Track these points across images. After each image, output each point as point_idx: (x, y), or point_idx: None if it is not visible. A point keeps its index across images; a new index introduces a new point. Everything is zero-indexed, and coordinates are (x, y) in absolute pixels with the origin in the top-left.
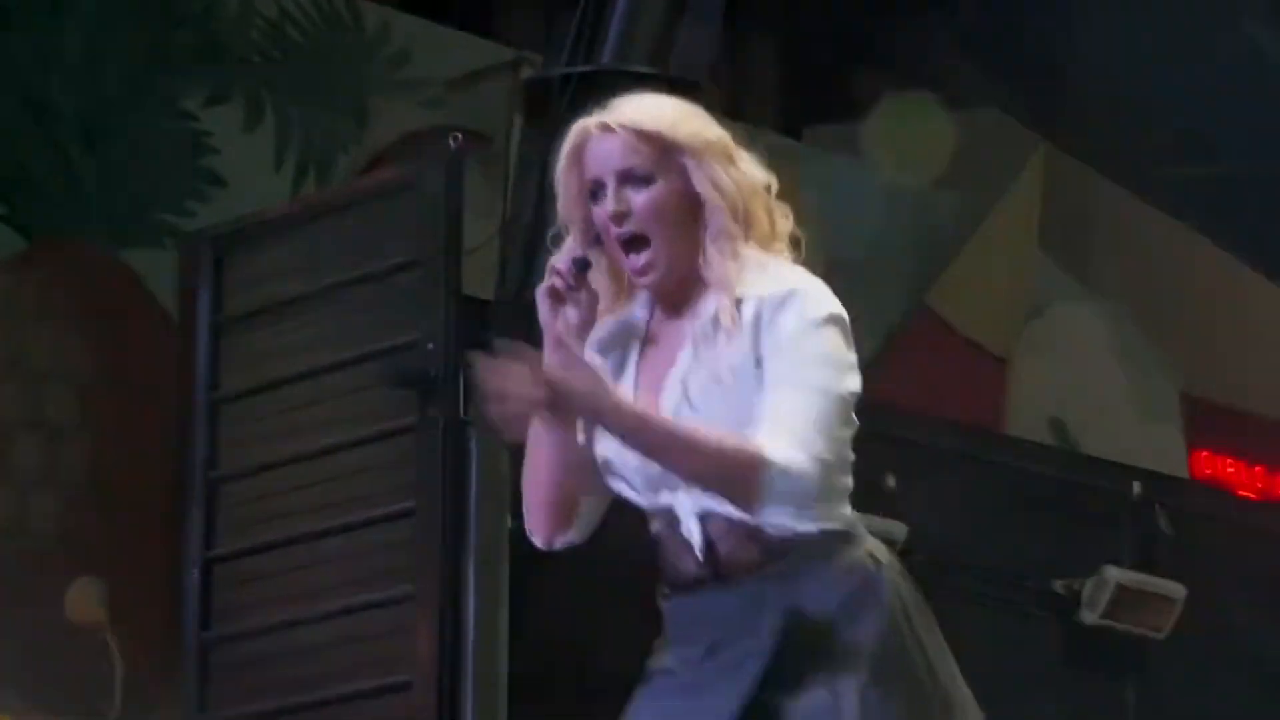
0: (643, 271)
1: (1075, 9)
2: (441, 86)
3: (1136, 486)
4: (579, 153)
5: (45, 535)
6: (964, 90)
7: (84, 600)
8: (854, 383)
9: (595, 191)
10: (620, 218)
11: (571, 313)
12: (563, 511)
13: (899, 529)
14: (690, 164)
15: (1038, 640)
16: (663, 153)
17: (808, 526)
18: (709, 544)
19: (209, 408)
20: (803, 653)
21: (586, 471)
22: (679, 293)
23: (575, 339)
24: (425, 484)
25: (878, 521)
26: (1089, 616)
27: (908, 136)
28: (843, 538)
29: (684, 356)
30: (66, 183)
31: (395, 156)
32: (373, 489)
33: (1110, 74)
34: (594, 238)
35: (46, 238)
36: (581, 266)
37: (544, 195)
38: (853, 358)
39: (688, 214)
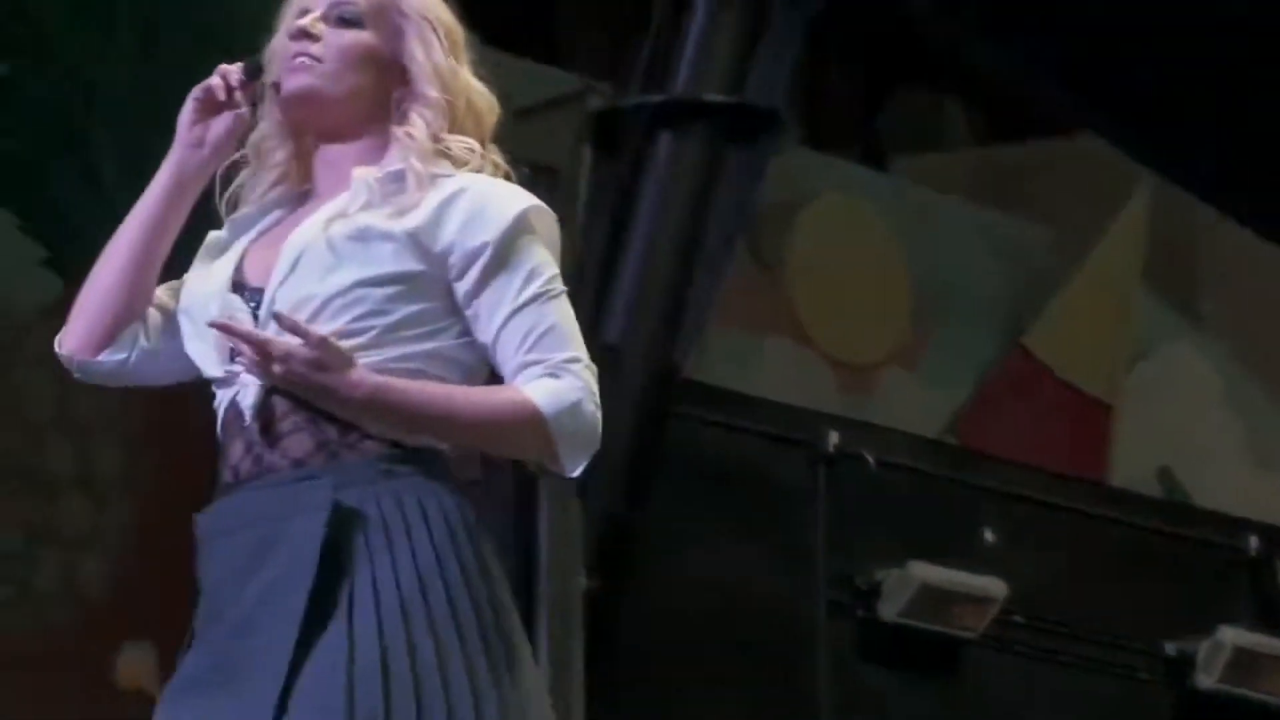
0: (294, 69)
1: (1182, 35)
2: (507, 117)
3: (1254, 541)
4: None
5: (94, 599)
6: (1063, 120)
7: (135, 666)
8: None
9: (296, 30)
10: (305, 35)
11: (220, 123)
12: (107, 326)
13: (997, 587)
14: (410, 29)
15: (1149, 707)
16: (386, 10)
17: (377, 429)
18: (265, 424)
19: None
20: (337, 572)
21: (145, 292)
22: (332, 149)
23: (213, 150)
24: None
25: (973, 579)
26: (1204, 681)
27: (1001, 168)
28: (429, 461)
29: (323, 212)
30: (110, 222)
31: None
32: None
33: (1221, 102)
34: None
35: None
36: (252, 71)
37: (616, 229)
38: (552, 254)
39: (380, 79)
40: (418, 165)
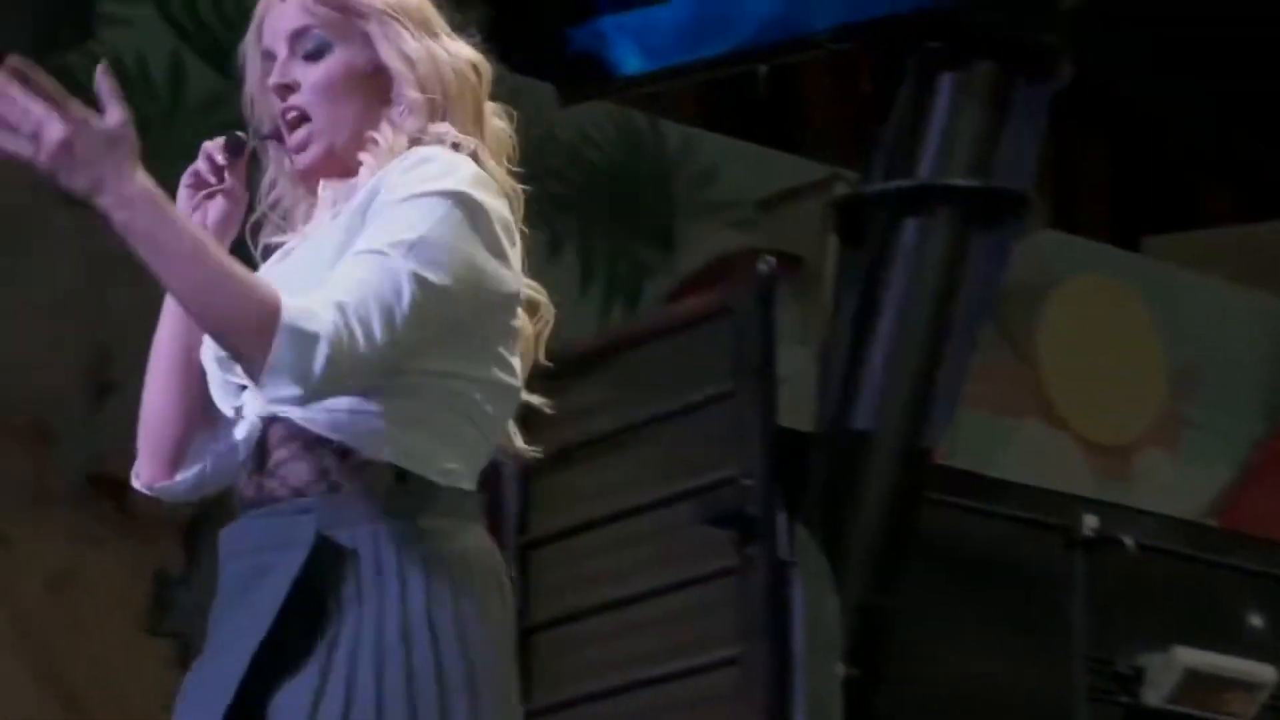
0: (299, 147)
1: None
2: (751, 207)
3: None
4: (260, 25)
5: None
6: None
7: None
8: (450, 272)
9: (275, 87)
10: (285, 90)
11: (215, 206)
12: (170, 448)
13: (1266, 672)
14: (375, 30)
15: None
16: (343, 16)
17: (382, 454)
18: (262, 454)
19: (518, 552)
20: (321, 610)
21: (200, 397)
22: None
23: (218, 236)
24: (747, 630)
25: (1241, 664)
26: None
27: (1258, 245)
28: (431, 494)
29: (299, 246)
30: None
31: (704, 282)
32: (690, 636)
33: None
34: (272, 131)
35: None
36: (234, 149)
37: (862, 315)
38: (473, 248)
39: (372, 92)
40: (372, 164)
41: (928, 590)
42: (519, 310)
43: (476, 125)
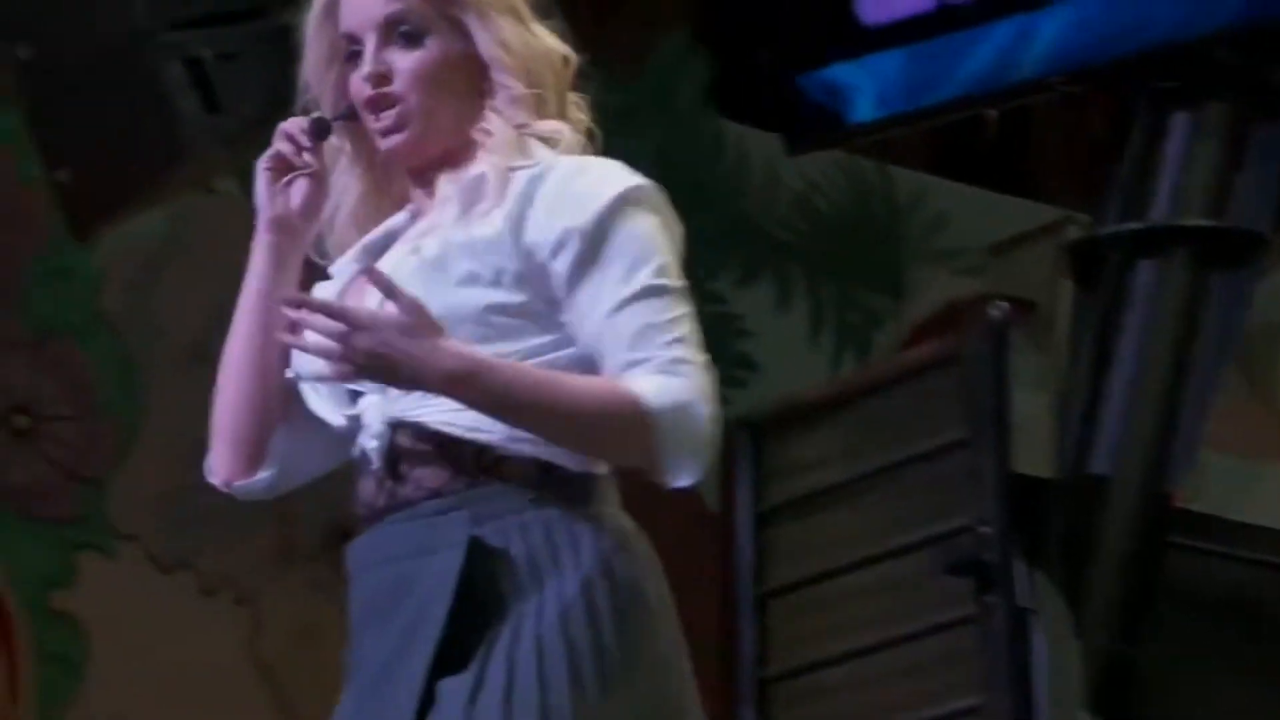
0: (391, 129)
1: None
2: (982, 252)
3: None
4: (333, 5)
5: None
6: None
7: None
8: (673, 265)
9: (353, 53)
10: (378, 79)
11: (299, 189)
12: (251, 445)
13: None
14: (473, 19)
15: None
16: (435, 4)
17: (522, 448)
18: (393, 460)
19: (754, 603)
20: (479, 609)
21: (280, 392)
22: (435, 174)
23: (303, 219)
24: (989, 680)
25: None
26: None
27: None
28: (573, 485)
29: (410, 235)
30: None
31: (936, 329)
32: (930, 686)
33: None
34: (348, 111)
35: None
36: (320, 131)
37: (1099, 360)
38: (664, 238)
39: (465, 81)
40: (498, 163)
41: (1171, 637)
42: None
43: (561, 115)
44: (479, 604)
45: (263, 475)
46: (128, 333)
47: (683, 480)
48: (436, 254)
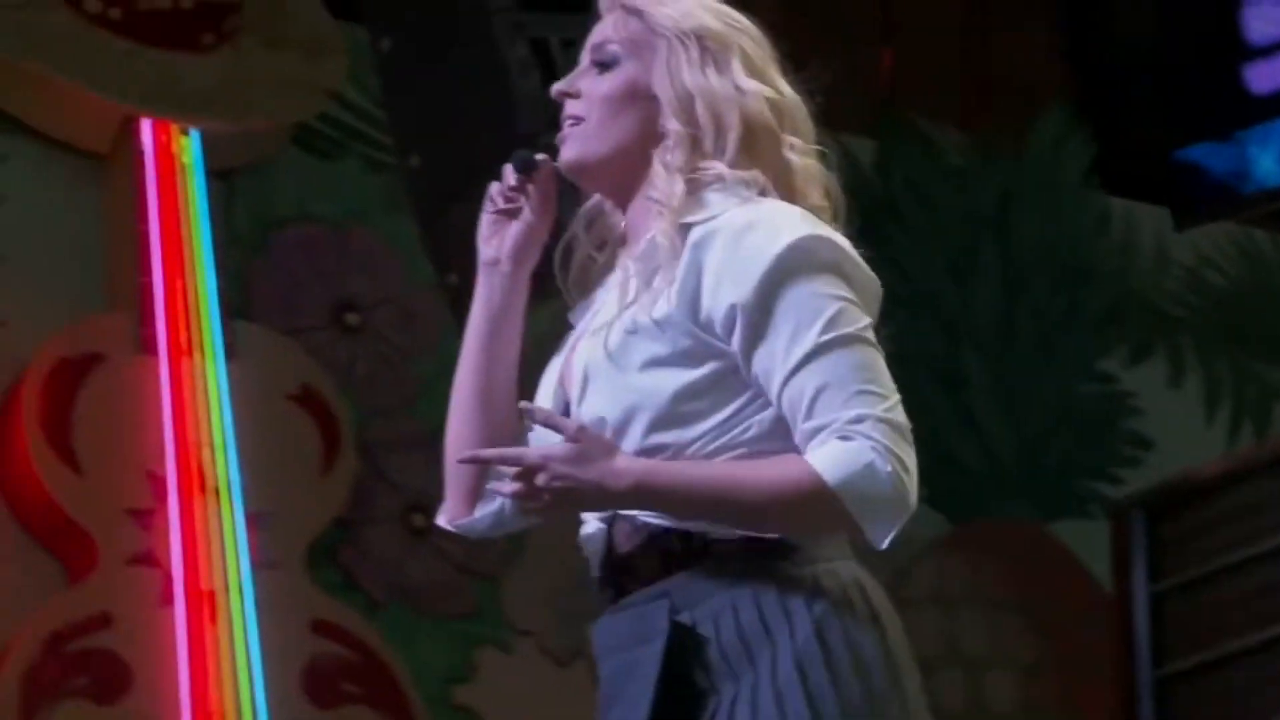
0: (562, 145)
1: None
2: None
3: None
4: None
5: None
6: None
7: None
8: (849, 311)
9: (557, 93)
10: (566, 97)
11: (510, 233)
12: (471, 482)
13: None
14: (661, 50)
15: None
16: (642, 35)
17: (724, 532)
18: (612, 551)
19: (1153, 686)
20: (694, 693)
21: (500, 431)
22: (635, 217)
23: (513, 262)
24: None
25: None
26: None
27: None
28: (781, 552)
29: (606, 306)
30: (985, 457)
31: None
32: None
33: None
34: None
35: (971, 518)
36: (526, 166)
37: None
38: (838, 287)
39: (645, 113)
40: (666, 232)
41: None
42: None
43: (763, 163)
44: (692, 689)
45: (481, 514)
46: None
47: (884, 539)
48: (618, 345)
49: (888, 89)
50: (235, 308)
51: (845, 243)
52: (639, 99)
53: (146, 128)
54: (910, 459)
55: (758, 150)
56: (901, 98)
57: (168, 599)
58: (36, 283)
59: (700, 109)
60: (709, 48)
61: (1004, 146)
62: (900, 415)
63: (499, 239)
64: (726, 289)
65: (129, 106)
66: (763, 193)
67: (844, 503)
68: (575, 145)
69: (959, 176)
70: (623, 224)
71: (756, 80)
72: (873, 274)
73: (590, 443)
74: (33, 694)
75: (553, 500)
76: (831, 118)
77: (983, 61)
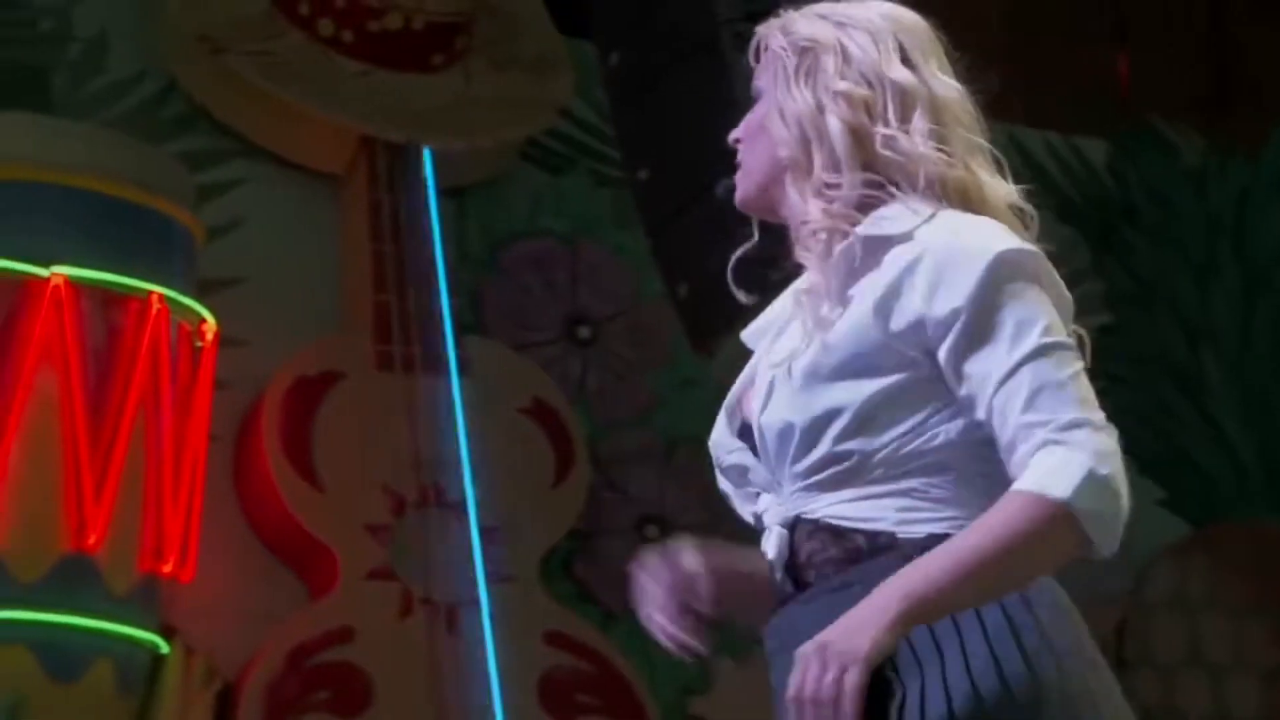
0: (736, 179)
1: None
2: None
3: None
4: None
5: None
6: None
7: None
8: (1059, 323)
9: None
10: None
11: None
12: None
13: None
14: (779, 74)
15: None
16: (770, 58)
17: (914, 529)
18: (793, 551)
19: None
20: (883, 683)
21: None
22: (797, 249)
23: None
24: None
25: None
26: None
27: None
28: (929, 544)
29: (789, 323)
30: (1225, 459)
31: None
32: None
33: None
34: None
35: (1211, 521)
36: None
37: None
38: (1045, 299)
39: (773, 144)
40: (831, 249)
41: None
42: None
43: (882, 160)
44: (881, 677)
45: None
46: None
47: (1112, 547)
48: (808, 357)
49: (1123, 90)
50: (468, 323)
51: (1043, 256)
52: (767, 129)
53: (379, 148)
54: (1119, 465)
55: (869, 149)
56: (1137, 98)
57: (406, 612)
58: (275, 303)
59: (805, 123)
60: (828, 54)
61: (1243, 146)
62: (1105, 424)
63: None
64: (942, 299)
65: (362, 127)
66: (919, 189)
67: (1078, 517)
68: (739, 186)
69: (1197, 177)
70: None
71: (860, 73)
72: (1066, 290)
73: (832, 649)
74: (276, 708)
75: (843, 690)
76: (1065, 119)
77: (1221, 60)
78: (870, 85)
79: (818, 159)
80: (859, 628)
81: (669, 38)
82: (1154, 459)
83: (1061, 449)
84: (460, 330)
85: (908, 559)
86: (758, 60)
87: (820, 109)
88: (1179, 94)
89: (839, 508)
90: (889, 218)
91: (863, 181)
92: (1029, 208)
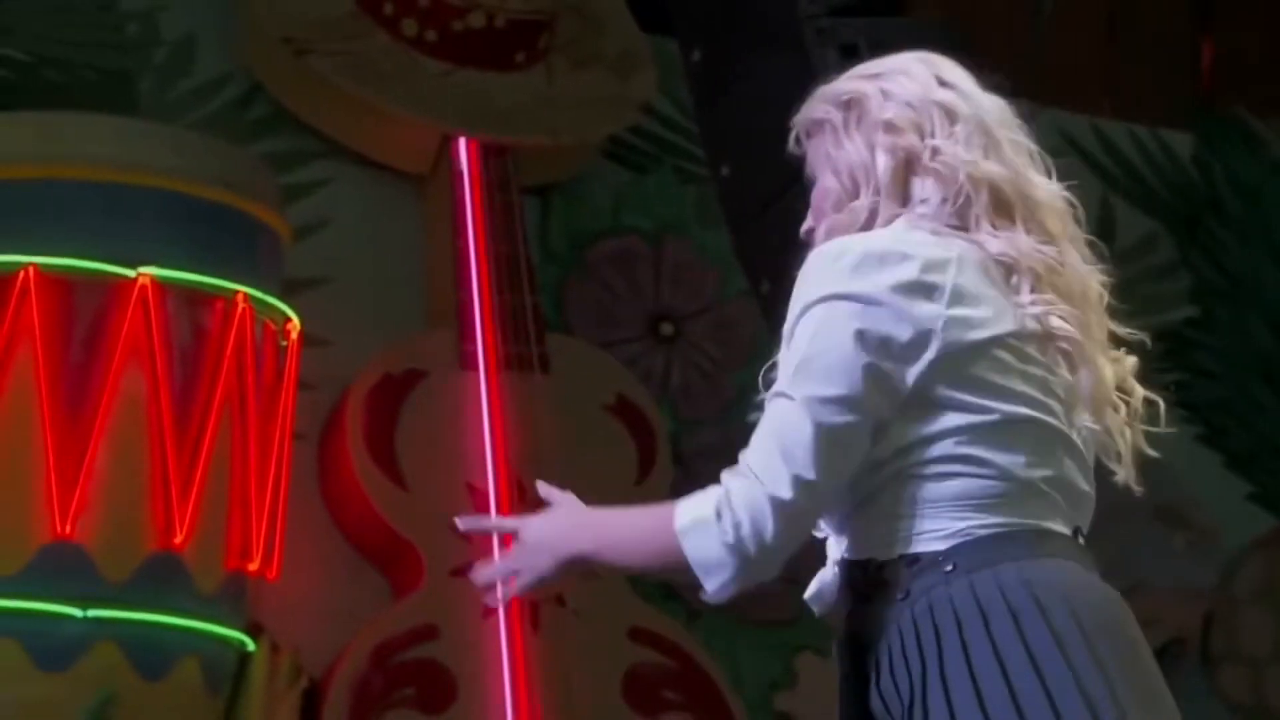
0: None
1: None
2: None
3: None
4: None
5: None
6: None
7: None
8: (843, 382)
9: None
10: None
11: None
12: None
13: None
14: (829, 136)
15: None
16: (807, 125)
17: (890, 550)
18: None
19: None
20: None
21: None
22: None
23: None
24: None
25: None
26: None
27: None
28: (935, 568)
29: None
30: None
31: None
32: None
33: None
34: None
35: None
36: None
37: None
38: (856, 344)
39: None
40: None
41: None
42: (1001, 338)
43: (902, 193)
44: (884, 706)
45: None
46: None
47: (711, 595)
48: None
49: (1208, 82)
50: (552, 321)
51: (899, 279)
52: (823, 199)
53: (463, 147)
54: (757, 530)
55: (918, 166)
56: (1222, 91)
57: (492, 610)
58: (359, 302)
59: (855, 174)
60: (851, 111)
61: None
62: (783, 487)
63: None
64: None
65: (446, 126)
66: (957, 196)
67: (684, 550)
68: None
69: None
70: None
71: (904, 102)
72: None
73: (526, 544)
74: (361, 705)
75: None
76: (1149, 112)
77: None
78: (914, 108)
79: (864, 195)
80: (542, 549)
81: (751, 34)
82: (1242, 453)
83: (715, 489)
84: (544, 328)
85: (888, 593)
86: (800, 146)
87: (871, 147)
88: (1266, 85)
89: (844, 548)
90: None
91: (879, 204)
92: (1077, 203)
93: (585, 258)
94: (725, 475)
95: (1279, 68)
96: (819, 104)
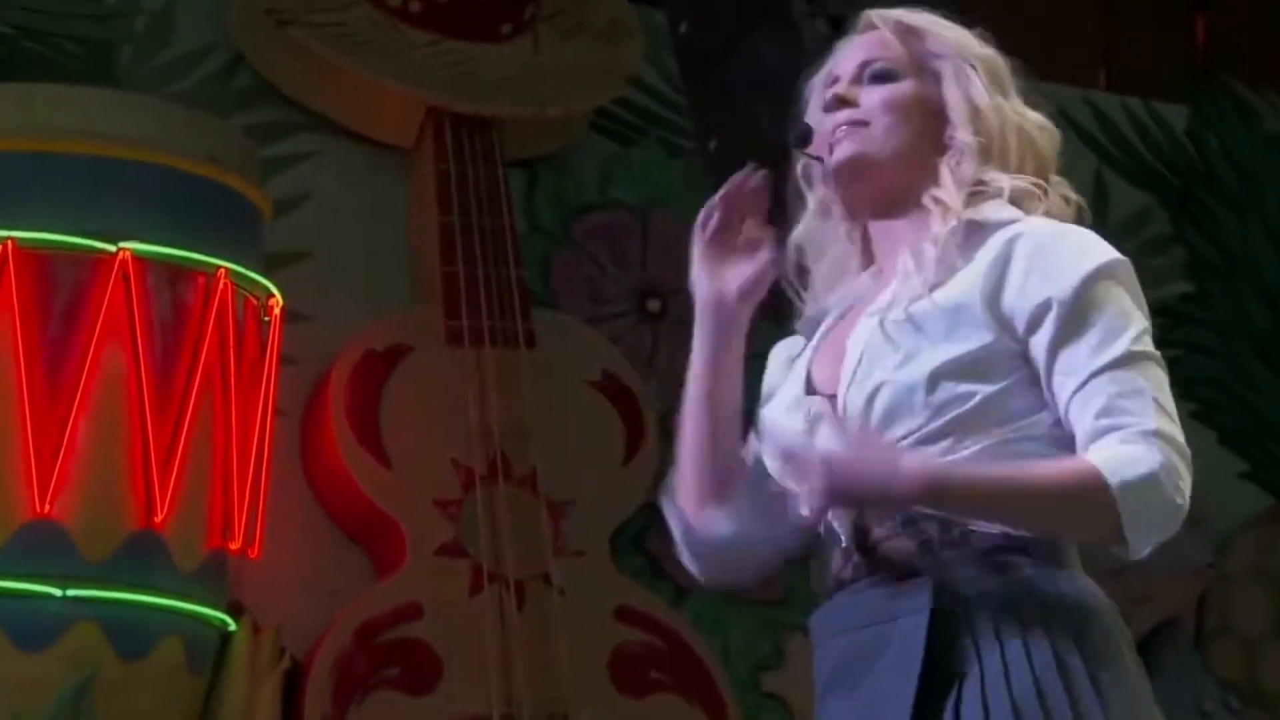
0: (842, 135)
1: None
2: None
3: None
4: (834, 58)
5: None
6: None
7: None
8: (1148, 335)
9: (830, 99)
10: (840, 103)
11: (738, 272)
12: (709, 487)
13: None
14: (947, 70)
15: None
16: (920, 55)
17: (983, 525)
18: (862, 536)
19: None
20: (942, 679)
21: (729, 457)
22: (889, 226)
23: (737, 305)
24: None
25: None
26: None
27: None
28: (1033, 550)
29: (879, 302)
30: None
31: None
32: None
33: None
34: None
35: None
36: (804, 139)
37: None
38: (1136, 309)
39: (929, 125)
40: (954, 224)
41: None
42: None
43: (1036, 189)
44: (942, 673)
45: (723, 528)
46: None
47: (1141, 552)
48: (905, 322)
49: (1202, 55)
50: (538, 296)
51: (1132, 267)
52: (918, 112)
53: (448, 120)
54: (1188, 487)
55: (1030, 171)
56: (1216, 63)
57: (476, 588)
58: (343, 277)
59: (992, 126)
60: (992, 73)
61: None
62: (1185, 446)
63: (719, 274)
64: (1039, 285)
65: (432, 98)
66: (1047, 212)
67: (1116, 503)
68: (857, 143)
69: (1278, 142)
70: (874, 238)
71: (1030, 110)
72: (1146, 306)
73: (876, 446)
74: (345, 685)
75: (833, 502)
76: (1144, 85)
77: None
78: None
79: (993, 158)
80: (880, 469)
81: (740, 6)
82: (1236, 430)
83: (1137, 448)
84: (529, 303)
85: (979, 556)
86: (898, 47)
87: (1013, 120)
88: (1260, 58)
89: None
90: (1002, 209)
91: (1014, 188)
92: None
93: (572, 231)
94: (1119, 439)
95: (1274, 41)
96: (945, 35)
